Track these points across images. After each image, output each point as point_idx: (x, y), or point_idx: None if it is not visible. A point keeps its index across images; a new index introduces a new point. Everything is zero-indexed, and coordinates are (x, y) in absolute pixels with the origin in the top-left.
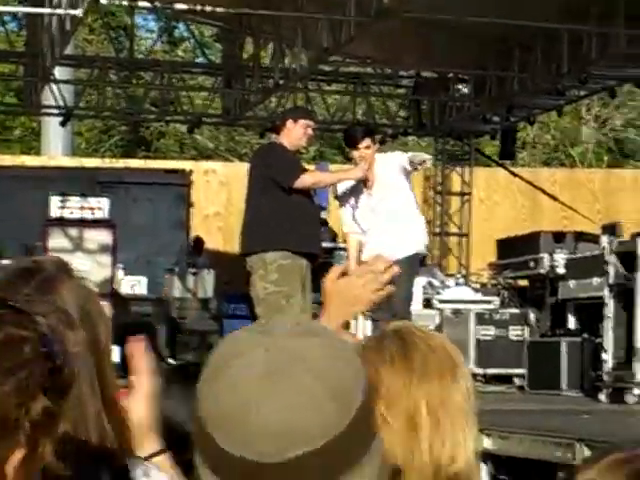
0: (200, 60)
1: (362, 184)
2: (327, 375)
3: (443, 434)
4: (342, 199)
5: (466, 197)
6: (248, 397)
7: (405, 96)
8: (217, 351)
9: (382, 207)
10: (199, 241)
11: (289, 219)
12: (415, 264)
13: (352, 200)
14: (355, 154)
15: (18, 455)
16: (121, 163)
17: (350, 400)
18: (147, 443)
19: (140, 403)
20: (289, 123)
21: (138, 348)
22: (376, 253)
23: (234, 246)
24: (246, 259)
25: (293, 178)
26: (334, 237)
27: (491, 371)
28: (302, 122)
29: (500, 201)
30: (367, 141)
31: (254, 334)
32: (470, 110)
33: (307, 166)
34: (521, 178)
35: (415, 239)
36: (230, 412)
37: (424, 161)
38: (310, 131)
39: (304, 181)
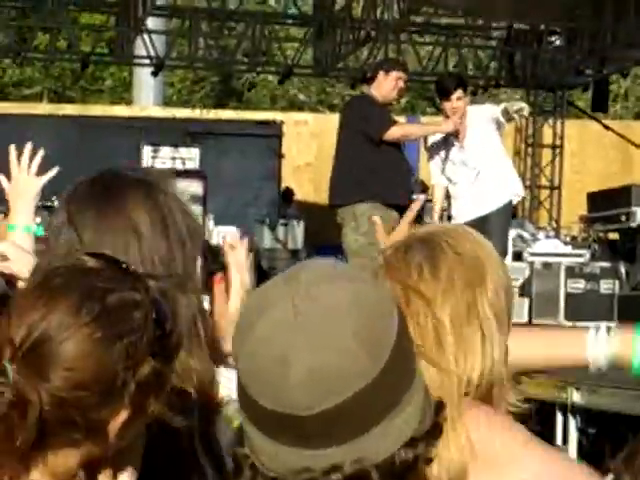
0: (291, 11)
1: (453, 137)
2: (357, 322)
3: (466, 348)
4: (432, 151)
5: (557, 150)
6: (279, 350)
7: (497, 48)
8: (247, 304)
9: (474, 159)
10: (289, 192)
11: (379, 171)
12: (508, 214)
13: (442, 153)
14: (447, 105)
15: (123, 415)
16: (212, 114)
17: (381, 345)
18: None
19: (233, 297)
20: (380, 75)
21: (234, 242)
22: (467, 207)
23: (325, 197)
24: (337, 211)
25: (382, 130)
26: (424, 189)
27: (581, 324)
28: (394, 74)
29: (592, 154)
30: (459, 92)
31: (281, 285)
32: (562, 62)
33: (397, 118)
34: (613, 131)
35: (507, 188)
36: (263, 366)
37: (521, 109)
38: (402, 83)
39: (393, 133)
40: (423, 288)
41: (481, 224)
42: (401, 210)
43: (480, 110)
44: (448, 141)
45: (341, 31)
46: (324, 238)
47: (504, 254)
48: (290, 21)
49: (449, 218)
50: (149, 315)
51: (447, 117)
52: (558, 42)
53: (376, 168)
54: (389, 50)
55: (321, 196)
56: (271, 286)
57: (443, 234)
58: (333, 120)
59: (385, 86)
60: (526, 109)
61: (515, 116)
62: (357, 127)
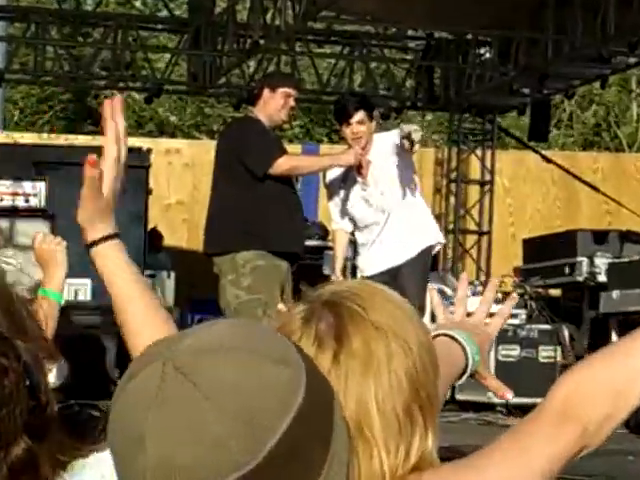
0: (162, 14)
1: (356, 171)
2: (230, 406)
3: (397, 435)
4: (331, 189)
5: (487, 186)
6: (136, 429)
7: (413, 61)
8: (128, 369)
9: (381, 199)
10: (157, 235)
11: (264, 211)
12: (425, 266)
13: (343, 191)
14: (346, 131)
15: None
16: (63, 139)
17: (262, 432)
18: (102, 223)
19: (108, 170)
20: (266, 92)
21: (109, 109)
22: (375, 257)
23: (200, 242)
24: (213, 260)
25: (267, 163)
26: (324, 235)
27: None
28: (282, 91)
29: (529, 192)
30: (361, 115)
31: (162, 348)
32: (493, 80)
33: (291, 147)
34: (555, 164)
35: (423, 234)
36: (118, 446)
37: (410, 133)
38: (292, 102)
39: (281, 166)
40: (333, 364)
41: (393, 278)
42: (292, 259)
43: (388, 137)
44: (350, 176)
45: (223, 39)
46: (200, 292)
47: (422, 314)
48: (160, 26)
49: (354, 270)
50: (21, 384)
51: (349, 146)
52: (488, 55)
53: (261, 209)
54: (281, 63)
55: (196, 240)
56: (154, 345)
57: (352, 296)
58: (212, 148)
59: (272, 105)
60: (417, 133)
61: (414, 143)
62: (237, 158)
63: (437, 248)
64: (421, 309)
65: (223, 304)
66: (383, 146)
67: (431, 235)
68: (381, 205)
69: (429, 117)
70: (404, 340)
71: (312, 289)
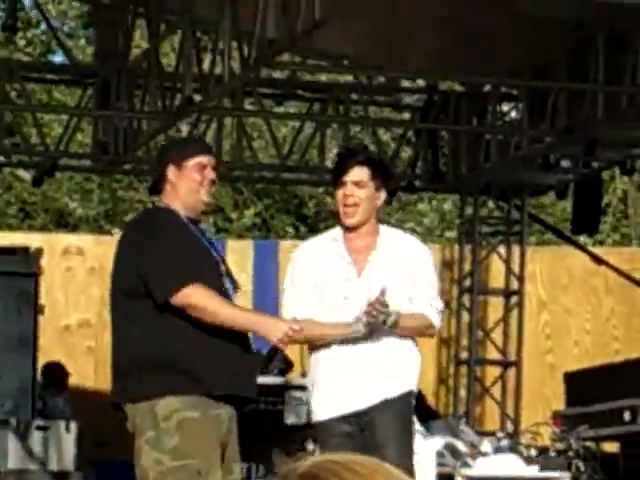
0: (57, 59)
1: (349, 261)
2: None
3: None
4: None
5: (514, 299)
6: None
7: (410, 124)
8: None
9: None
10: (56, 371)
11: (194, 341)
12: (410, 412)
13: (313, 277)
14: (338, 195)
15: None
16: None
17: None
18: None
19: None
20: (171, 171)
21: None
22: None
23: (106, 374)
24: (125, 411)
25: (167, 288)
26: (285, 367)
27: None
28: (193, 163)
29: (573, 305)
30: (362, 173)
31: None
32: (522, 149)
33: (240, 242)
34: (609, 266)
35: (407, 370)
36: None
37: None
38: (211, 174)
39: (185, 299)
40: None
41: (358, 428)
42: (240, 404)
43: (413, 242)
44: (337, 266)
45: (143, 94)
46: (111, 451)
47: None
48: (55, 77)
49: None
50: None
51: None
52: (514, 114)
53: (189, 338)
54: (226, 126)
55: (107, 380)
56: None
57: (341, 470)
58: None
59: (184, 186)
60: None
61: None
62: (137, 274)
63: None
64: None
65: (139, 473)
66: (408, 247)
67: (413, 377)
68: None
69: (432, 203)
70: None
71: (287, 460)
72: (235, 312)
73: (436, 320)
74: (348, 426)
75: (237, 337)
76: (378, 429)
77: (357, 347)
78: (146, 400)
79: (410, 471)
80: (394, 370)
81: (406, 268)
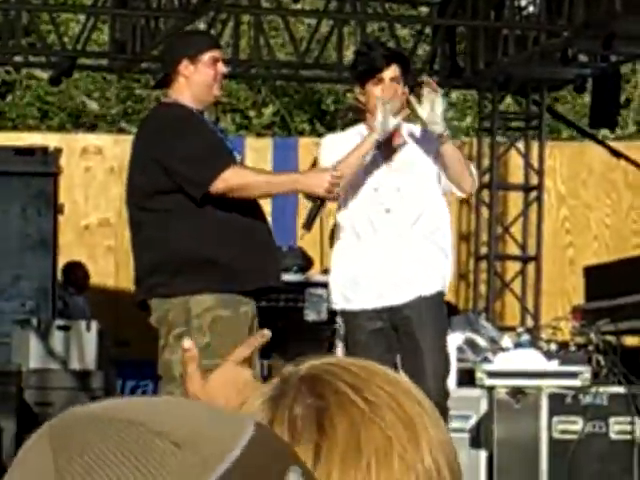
0: None
1: (380, 153)
2: None
3: None
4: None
5: (534, 193)
6: None
7: (427, 20)
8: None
9: (406, 207)
10: (77, 271)
11: (221, 238)
12: (443, 306)
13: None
14: (373, 91)
15: None
16: None
17: None
18: None
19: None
20: (184, 65)
21: None
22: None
23: (128, 274)
24: (152, 307)
25: (206, 179)
26: (305, 265)
27: None
28: (207, 56)
29: (593, 200)
30: (396, 70)
31: (44, 451)
32: (540, 44)
33: (260, 141)
34: (628, 160)
35: (443, 273)
36: None
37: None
38: (223, 68)
39: (225, 183)
40: (312, 460)
41: (392, 326)
42: (264, 294)
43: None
44: (373, 162)
45: None
46: (133, 351)
47: (444, 372)
48: None
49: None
50: None
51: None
52: (531, 8)
53: (215, 235)
54: (243, 25)
55: (128, 277)
56: (29, 450)
57: (340, 371)
58: None
59: (197, 81)
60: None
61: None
62: (162, 170)
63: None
64: (440, 369)
65: (163, 370)
66: (424, 140)
67: (446, 278)
68: (405, 212)
69: (451, 96)
70: (412, 432)
71: (288, 364)
72: (275, 178)
73: (475, 175)
74: (381, 322)
75: (261, 229)
76: (416, 327)
77: (393, 243)
78: (181, 295)
79: (444, 376)
80: (429, 268)
81: (432, 149)
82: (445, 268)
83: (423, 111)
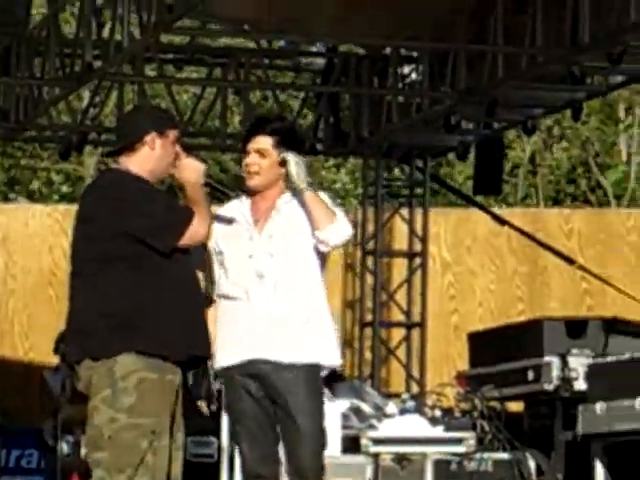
0: None
1: (249, 217)
2: None
3: None
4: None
5: (418, 260)
6: None
7: (311, 87)
8: None
9: (276, 272)
10: None
11: (155, 301)
12: (319, 380)
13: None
14: (243, 162)
15: None
16: None
17: None
18: None
19: None
20: (151, 138)
21: None
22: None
23: (14, 347)
24: (78, 371)
25: (177, 231)
26: None
27: None
28: (172, 135)
29: (477, 267)
30: (265, 141)
31: None
32: (423, 110)
33: None
34: (512, 227)
35: (320, 347)
36: None
37: (284, 160)
38: (178, 149)
39: (196, 233)
40: None
41: (263, 384)
42: (192, 365)
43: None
44: (239, 228)
45: (43, 61)
46: (18, 418)
47: (320, 444)
48: None
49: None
50: None
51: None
52: (414, 76)
53: (151, 297)
54: (126, 93)
55: (9, 345)
56: None
57: None
58: (32, 216)
59: (159, 157)
60: (296, 166)
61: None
62: (121, 233)
63: (323, 373)
64: (316, 440)
65: (91, 433)
66: (301, 211)
67: (328, 351)
68: (263, 268)
69: (332, 164)
70: None
71: None
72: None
73: (344, 221)
74: (254, 386)
75: (194, 296)
76: (289, 398)
77: (265, 308)
78: (106, 358)
79: (323, 443)
80: (313, 334)
81: (307, 222)
82: (323, 338)
83: (292, 171)
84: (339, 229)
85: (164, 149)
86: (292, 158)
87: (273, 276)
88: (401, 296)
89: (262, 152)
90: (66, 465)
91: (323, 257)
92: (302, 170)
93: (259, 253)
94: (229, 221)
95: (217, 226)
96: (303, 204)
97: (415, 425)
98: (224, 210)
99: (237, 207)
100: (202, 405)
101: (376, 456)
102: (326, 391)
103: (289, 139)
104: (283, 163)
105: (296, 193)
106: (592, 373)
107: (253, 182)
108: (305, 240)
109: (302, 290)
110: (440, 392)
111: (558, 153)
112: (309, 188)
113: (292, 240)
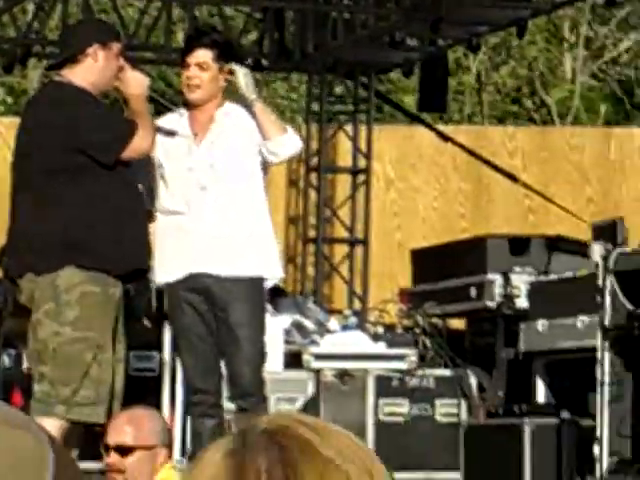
0: None
1: (189, 133)
2: None
3: None
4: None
5: (362, 177)
6: None
7: (256, 1)
8: None
9: (218, 184)
10: None
11: (98, 216)
12: (262, 293)
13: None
14: (182, 75)
15: None
16: None
17: None
18: None
19: None
20: (93, 49)
21: None
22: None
23: None
24: (21, 285)
25: (119, 144)
26: None
27: (405, 476)
28: (115, 47)
29: (421, 183)
30: (205, 54)
31: None
32: (368, 27)
33: None
34: (456, 144)
35: (262, 260)
36: None
37: (234, 72)
38: (123, 61)
39: (140, 146)
40: None
41: (205, 299)
42: (133, 278)
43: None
44: (178, 140)
45: None
46: None
47: (260, 359)
48: None
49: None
50: None
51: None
52: None
53: (93, 212)
54: (70, 6)
55: None
56: None
57: (299, 424)
58: None
59: (103, 69)
60: (244, 77)
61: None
62: (64, 146)
63: (268, 284)
64: (256, 356)
65: (36, 347)
66: (240, 119)
67: (270, 264)
68: (217, 190)
69: (278, 80)
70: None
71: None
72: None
73: (294, 134)
74: (193, 292)
75: (137, 208)
76: (230, 309)
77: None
78: (47, 273)
79: (262, 355)
80: (253, 246)
81: (248, 124)
82: (267, 253)
83: (241, 82)
84: (290, 141)
85: (107, 61)
86: (240, 69)
87: (215, 189)
88: (344, 213)
89: (202, 65)
90: (7, 378)
91: (265, 171)
92: (250, 81)
93: (199, 165)
94: (170, 133)
95: (157, 138)
96: (253, 115)
97: (357, 341)
98: (163, 122)
99: (176, 120)
100: (144, 319)
101: (318, 372)
102: (269, 306)
103: (228, 52)
104: (231, 73)
105: (240, 104)
106: (534, 291)
107: (194, 95)
108: (246, 152)
109: (244, 203)
110: (382, 309)
111: (504, 71)
112: (258, 99)
113: (232, 152)
